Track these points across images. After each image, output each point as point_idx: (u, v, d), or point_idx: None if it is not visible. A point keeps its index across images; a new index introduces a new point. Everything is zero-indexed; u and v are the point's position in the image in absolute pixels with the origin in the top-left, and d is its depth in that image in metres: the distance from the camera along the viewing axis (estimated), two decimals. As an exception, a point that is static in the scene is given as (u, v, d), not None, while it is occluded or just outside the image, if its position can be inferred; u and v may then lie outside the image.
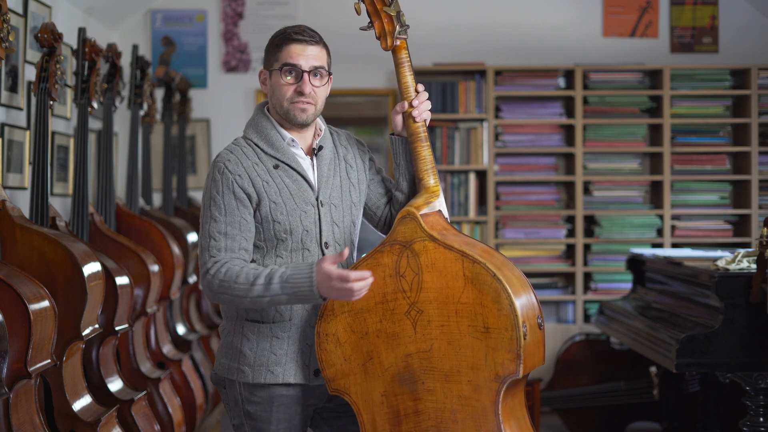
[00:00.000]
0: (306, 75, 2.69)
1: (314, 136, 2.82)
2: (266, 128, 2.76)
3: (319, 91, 2.73)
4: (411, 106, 2.78)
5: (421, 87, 2.81)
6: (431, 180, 2.77)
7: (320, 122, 2.84)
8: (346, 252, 2.54)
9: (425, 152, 2.78)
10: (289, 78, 2.70)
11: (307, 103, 2.71)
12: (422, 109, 2.78)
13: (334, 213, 2.77)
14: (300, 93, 2.70)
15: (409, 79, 2.79)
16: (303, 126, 2.76)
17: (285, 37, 2.71)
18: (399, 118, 2.82)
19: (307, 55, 2.69)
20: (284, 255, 2.72)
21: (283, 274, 2.58)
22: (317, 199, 2.75)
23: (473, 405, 2.59)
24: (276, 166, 2.72)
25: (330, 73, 2.76)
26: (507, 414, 2.60)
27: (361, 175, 2.87)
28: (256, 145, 2.74)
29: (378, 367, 2.67)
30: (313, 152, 2.79)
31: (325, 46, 2.75)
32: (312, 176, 2.77)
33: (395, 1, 2.77)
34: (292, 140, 2.76)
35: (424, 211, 2.70)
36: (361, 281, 2.53)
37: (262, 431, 2.75)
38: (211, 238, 2.67)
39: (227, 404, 2.81)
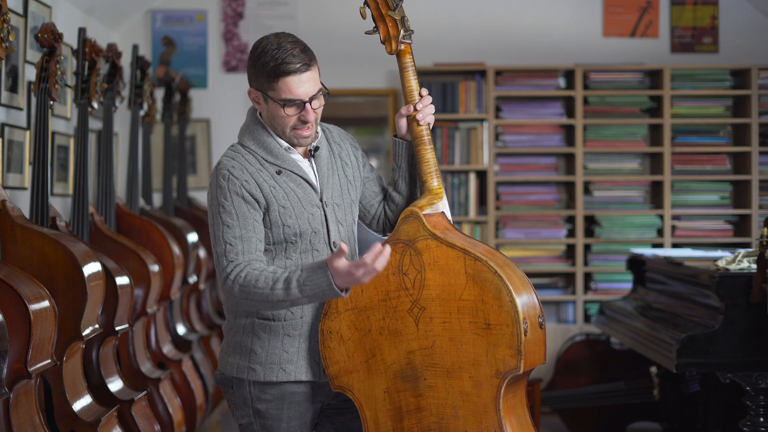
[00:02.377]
0: (308, 105, 2.66)
1: None
2: (262, 136, 2.75)
3: (319, 110, 2.72)
4: (415, 109, 2.80)
5: (425, 91, 2.83)
6: (435, 182, 2.79)
7: None
8: (345, 246, 2.51)
9: (429, 155, 2.80)
10: (292, 111, 2.67)
11: (310, 127, 2.70)
12: (426, 112, 2.81)
13: (337, 212, 2.78)
14: (304, 122, 2.69)
15: (413, 82, 2.81)
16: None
17: (278, 70, 2.62)
18: (403, 121, 2.84)
19: (304, 84, 2.64)
20: (294, 257, 2.72)
21: (299, 277, 2.56)
22: (321, 200, 2.75)
23: (474, 401, 2.60)
24: (279, 172, 2.72)
25: (324, 87, 2.71)
26: (508, 410, 2.61)
27: (355, 172, 2.88)
28: (255, 152, 2.74)
29: (381, 364, 2.68)
30: (310, 154, 2.79)
31: (313, 57, 2.68)
32: (314, 178, 2.77)
33: (400, 5, 2.78)
34: (289, 147, 2.76)
35: (427, 211, 2.73)
36: (378, 258, 2.47)
37: (272, 429, 2.75)
38: (226, 243, 2.64)
39: (234, 404, 2.80)
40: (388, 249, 2.48)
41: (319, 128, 2.83)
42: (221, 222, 2.65)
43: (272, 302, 2.59)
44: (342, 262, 2.49)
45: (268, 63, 2.63)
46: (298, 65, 2.62)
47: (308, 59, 2.65)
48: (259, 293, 2.59)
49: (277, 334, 2.72)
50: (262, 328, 2.73)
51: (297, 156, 2.77)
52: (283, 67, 2.62)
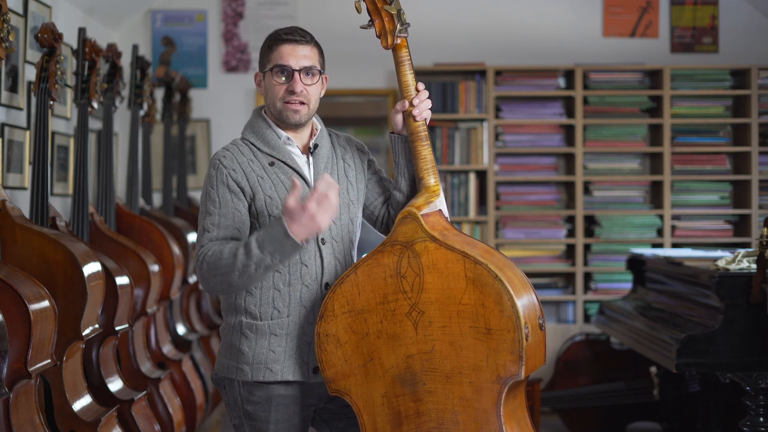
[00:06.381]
0: (297, 74, 2.71)
1: (310, 135, 2.83)
2: (262, 128, 2.79)
3: (311, 89, 2.74)
4: (411, 104, 2.77)
5: (421, 86, 2.80)
6: (431, 179, 2.76)
7: (316, 121, 2.85)
8: (297, 183, 2.54)
9: (425, 151, 2.77)
10: (280, 78, 2.72)
11: (300, 102, 2.73)
12: (422, 107, 2.78)
13: (330, 209, 2.78)
14: (291, 92, 2.72)
15: (409, 77, 2.78)
16: (297, 126, 2.78)
17: (276, 38, 2.75)
18: (399, 117, 2.82)
19: (298, 55, 2.72)
20: None
21: (258, 236, 2.57)
22: (313, 195, 2.75)
23: (474, 406, 2.58)
24: (271, 163, 2.74)
25: (322, 73, 2.77)
26: (508, 415, 2.59)
27: (359, 174, 2.87)
28: (252, 144, 2.78)
29: (379, 368, 2.66)
30: (309, 151, 2.80)
31: (317, 45, 2.78)
32: (308, 173, 2.78)
33: (396, -1, 2.76)
34: (288, 138, 2.78)
35: (425, 210, 2.69)
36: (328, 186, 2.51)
37: (261, 431, 2.75)
38: (204, 230, 2.69)
39: (227, 404, 2.81)
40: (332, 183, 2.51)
41: (321, 126, 2.85)
42: (205, 210, 2.72)
43: (238, 270, 2.58)
44: (293, 203, 2.50)
45: (270, 37, 2.77)
46: (295, 37, 2.73)
47: (309, 38, 2.76)
48: (224, 264, 2.59)
49: (264, 333, 2.72)
50: (249, 328, 2.73)
51: (294, 149, 2.79)
52: (280, 36, 2.74)
